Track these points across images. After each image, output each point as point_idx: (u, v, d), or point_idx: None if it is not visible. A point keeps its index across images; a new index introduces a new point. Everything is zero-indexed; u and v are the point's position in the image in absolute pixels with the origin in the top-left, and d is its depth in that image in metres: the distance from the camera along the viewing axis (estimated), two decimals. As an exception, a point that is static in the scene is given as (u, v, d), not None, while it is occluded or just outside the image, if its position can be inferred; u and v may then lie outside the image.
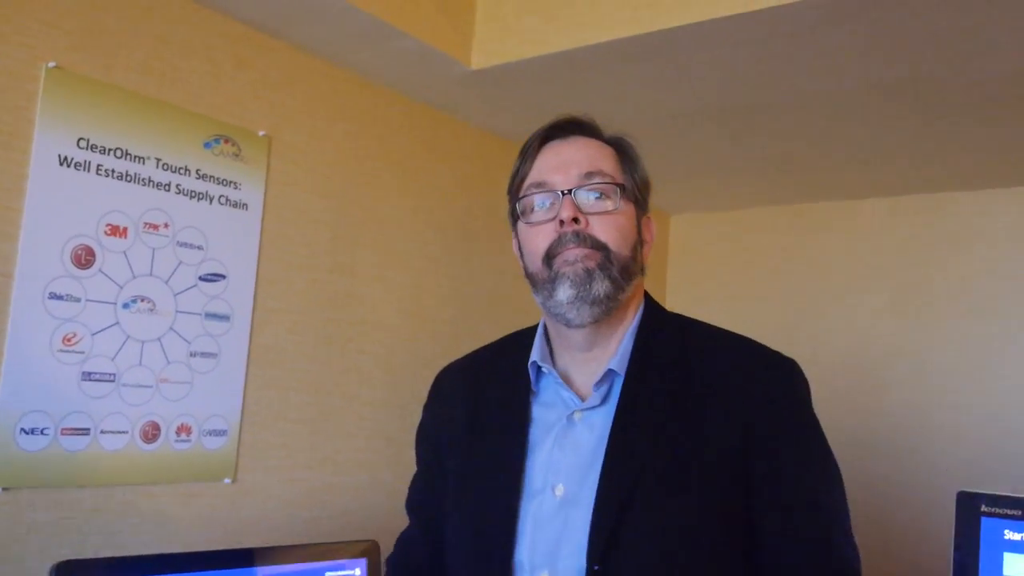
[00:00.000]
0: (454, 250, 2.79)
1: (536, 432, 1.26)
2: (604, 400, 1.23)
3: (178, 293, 2.02)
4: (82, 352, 1.84)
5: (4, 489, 1.71)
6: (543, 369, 1.28)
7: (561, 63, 2.28)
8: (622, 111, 2.65)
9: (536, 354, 1.29)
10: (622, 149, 1.32)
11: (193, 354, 2.05)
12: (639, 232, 1.29)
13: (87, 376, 1.85)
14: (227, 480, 2.11)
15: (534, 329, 1.36)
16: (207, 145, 2.08)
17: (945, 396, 3.19)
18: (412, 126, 2.62)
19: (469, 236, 2.85)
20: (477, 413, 1.32)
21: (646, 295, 1.35)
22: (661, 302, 4.16)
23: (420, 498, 1.40)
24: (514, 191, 1.31)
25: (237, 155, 2.14)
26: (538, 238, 1.23)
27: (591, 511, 1.14)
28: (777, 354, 1.26)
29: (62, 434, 1.81)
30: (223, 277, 2.11)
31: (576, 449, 1.21)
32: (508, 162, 2.49)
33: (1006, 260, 3.14)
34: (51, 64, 1.79)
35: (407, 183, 2.62)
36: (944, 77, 2.23)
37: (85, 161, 1.85)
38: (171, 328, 2.01)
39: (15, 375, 1.74)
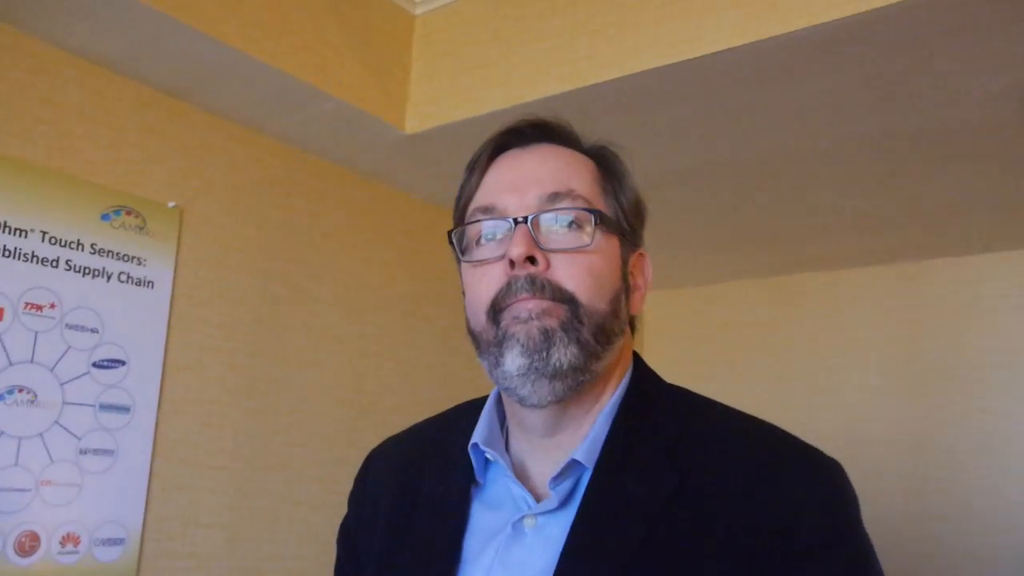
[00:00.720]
0: (398, 330, 2.57)
1: (473, 543, 0.91)
2: (566, 502, 0.89)
3: (66, 382, 1.78)
4: (-59, 452, 1.60)
5: None
6: (487, 456, 0.94)
7: (501, 123, 2.11)
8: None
9: (480, 435, 0.94)
10: (605, 162, 0.98)
11: (84, 451, 1.80)
12: (625, 276, 0.94)
13: (-53, 480, 1.60)
14: (123, 598, 1.83)
15: (486, 399, 1.01)
16: (105, 217, 1.88)
17: (944, 482, 2.92)
18: (345, 196, 2.43)
19: (415, 314, 2.63)
20: (404, 510, 0.98)
21: (636, 360, 0.99)
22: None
23: None
24: (459, 215, 0.97)
25: (141, 228, 1.94)
26: (482, 283, 0.90)
27: None
28: (815, 452, 0.89)
29: (-89, 550, 1.55)
30: (122, 363, 1.88)
31: (523, 570, 0.87)
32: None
33: (1000, 329, 2.92)
34: (-85, 127, 1.61)
35: (341, 258, 2.42)
36: (919, 129, 2.06)
37: (-47, 234, 1.65)
38: (56, 422, 1.76)
39: None
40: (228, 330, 2.10)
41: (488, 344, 0.89)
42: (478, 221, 0.92)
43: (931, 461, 2.95)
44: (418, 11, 2.25)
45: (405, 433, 1.12)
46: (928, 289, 3.09)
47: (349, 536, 1.08)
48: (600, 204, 0.93)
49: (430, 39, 2.23)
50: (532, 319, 0.85)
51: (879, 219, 2.74)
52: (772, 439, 0.90)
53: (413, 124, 2.19)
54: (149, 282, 1.95)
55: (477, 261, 0.91)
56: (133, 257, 1.92)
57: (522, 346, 0.85)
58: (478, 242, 0.92)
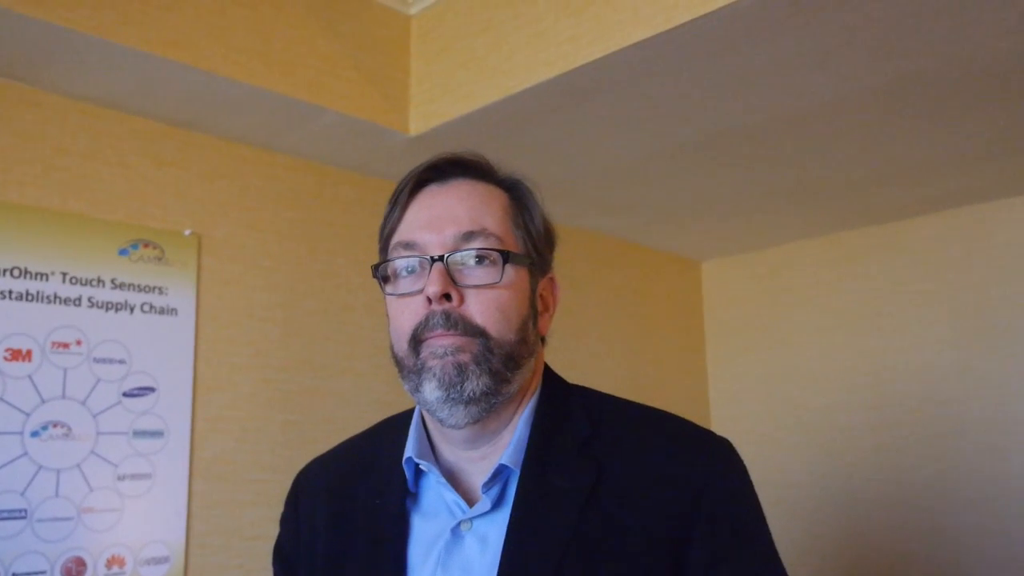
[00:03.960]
0: (435, 330, 2.57)
1: (415, 551, 0.99)
2: (497, 504, 0.98)
3: (98, 413, 1.88)
4: (-16, 490, 1.71)
5: None
6: (422, 467, 1.02)
7: (504, 113, 2.08)
8: (594, 157, 2.43)
9: (412, 448, 1.03)
10: (517, 195, 1.06)
11: (121, 477, 1.89)
12: (533, 303, 1.03)
13: (-8, 515, 1.71)
14: (174, 612, 1.92)
15: (410, 414, 1.10)
16: (123, 252, 1.96)
17: (1033, 434, 2.73)
18: (364, 201, 2.45)
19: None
20: (342, 529, 1.06)
21: (546, 370, 1.09)
22: (700, 355, 3.77)
23: None
24: (383, 247, 1.05)
25: (160, 258, 2.02)
26: (404, 315, 0.99)
27: None
28: (708, 434, 1.03)
29: (-35, 582, 1.67)
30: (152, 390, 1.96)
31: (465, 572, 0.96)
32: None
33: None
34: (-70, 189, 1.72)
35: (368, 263, 2.44)
36: (965, 67, 1.88)
37: (-24, 285, 1.75)
38: (92, 452, 1.86)
39: (-96, 523, 1.61)
40: (256, 347, 2.16)
41: (409, 370, 0.98)
42: (401, 257, 1.00)
43: (1011, 417, 2.76)
44: (413, 11, 2.24)
45: (331, 453, 1.19)
46: (994, 231, 2.88)
47: (285, 556, 1.14)
48: (510, 238, 1.01)
49: (426, 38, 2.22)
50: (447, 355, 0.94)
51: (933, 164, 2.56)
52: (671, 427, 1.02)
53: (417, 125, 2.19)
54: (172, 309, 2.02)
55: (400, 294, 0.99)
56: (154, 287, 2.00)
57: (438, 380, 0.94)
58: (400, 274, 1.00)
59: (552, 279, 1.08)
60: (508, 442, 0.99)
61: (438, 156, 1.05)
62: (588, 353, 3.09)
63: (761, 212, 3.04)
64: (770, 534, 0.98)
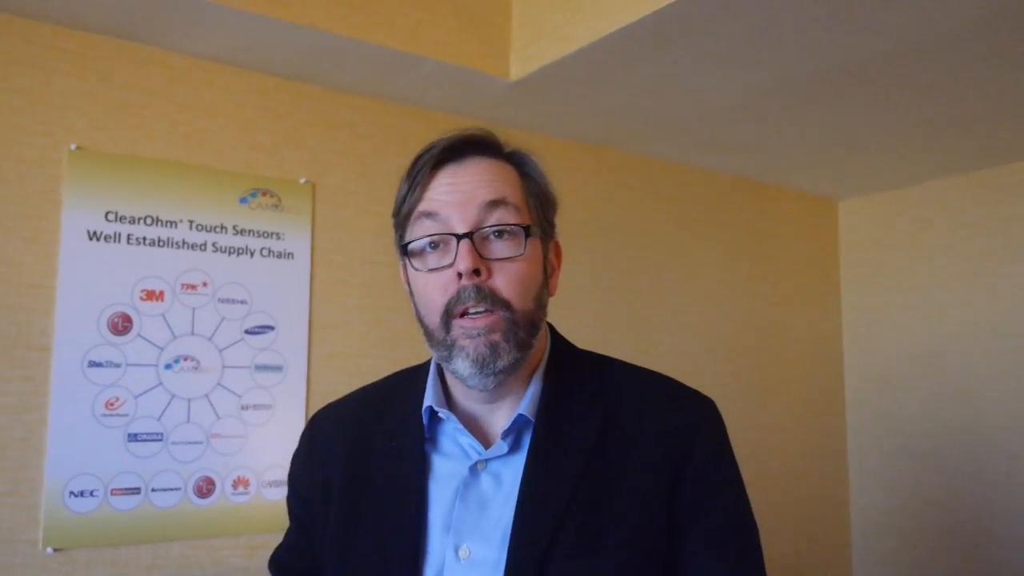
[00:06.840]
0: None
1: (435, 486, 1.10)
2: (512, 449, 1.08)
3: (223, 349, 2.06)
4: (126, 415, 1.92)
5: (55, 550, 1.82)
6: (440, 415, 1.11)
7: (603, 52, 2.06)
8: (703, 94, 2.36)
9: (431, 398, 1.12)
10: (524, 168, 1.13)
11: (245, 407, 2.08)
12: (545, 269, 1.11)
13: (133, 437, 1.93)
14: (294, 530, 2.10)
15: (425, 367, 1.19)
16: (243, 200, 2.11)
17: None
18: (469, 149, 2.50)
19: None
20: (360, 467, 1.14)
21: (551, 329, 1.18)
22: (835, 298, 3.67)
23: (289, 557, 1.24)
24: (401, 221, 1.13)
25: (277, 206, 2.16)
26: (434, 290, 1.05)
27: (503, 574, 1.01)
28: (697, 393, 1.14)
29: (112, 494, 1.90)
30: (271, 328, 2.13)
31: (482, 504, 1.06)
32: (579, 163, 2.39)
33: None
34: (73, 147, 1.91)
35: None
36: None
37: (115, 233, 1.95)
38: (219, 384, 2.05)
39: (60, 441, 1.85)
40: (367, 289, 2.28)
41: (438, 343, 1.05)
42: (426, 236, 1.04)
43: None
44: (515, -46, 2.24)
45: (348, 398, 1.27)
46: None
47: (302, 495, 1.21)
48: (526, 209, 1.08)
49: (527, -20, 2.22)
50: (480, 335, 1.02)
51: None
52: (666, 383, 1.14)
53: (517, 70, 2.21)
54: (289, 254, 2.17)
55: (428, 269, 1.05)
56: (272, 233, 2.15)
57: (472, 360, 1.02)
58: (424, 251, 1.05)
59: (557, 242, 1.15)
60: (524, 395, 1.09)
61: (452, 136, 1.09)
62: (703, 296, 3.04)
63: (900, 148, 2.86)
64: (740, 476, 1.11)
